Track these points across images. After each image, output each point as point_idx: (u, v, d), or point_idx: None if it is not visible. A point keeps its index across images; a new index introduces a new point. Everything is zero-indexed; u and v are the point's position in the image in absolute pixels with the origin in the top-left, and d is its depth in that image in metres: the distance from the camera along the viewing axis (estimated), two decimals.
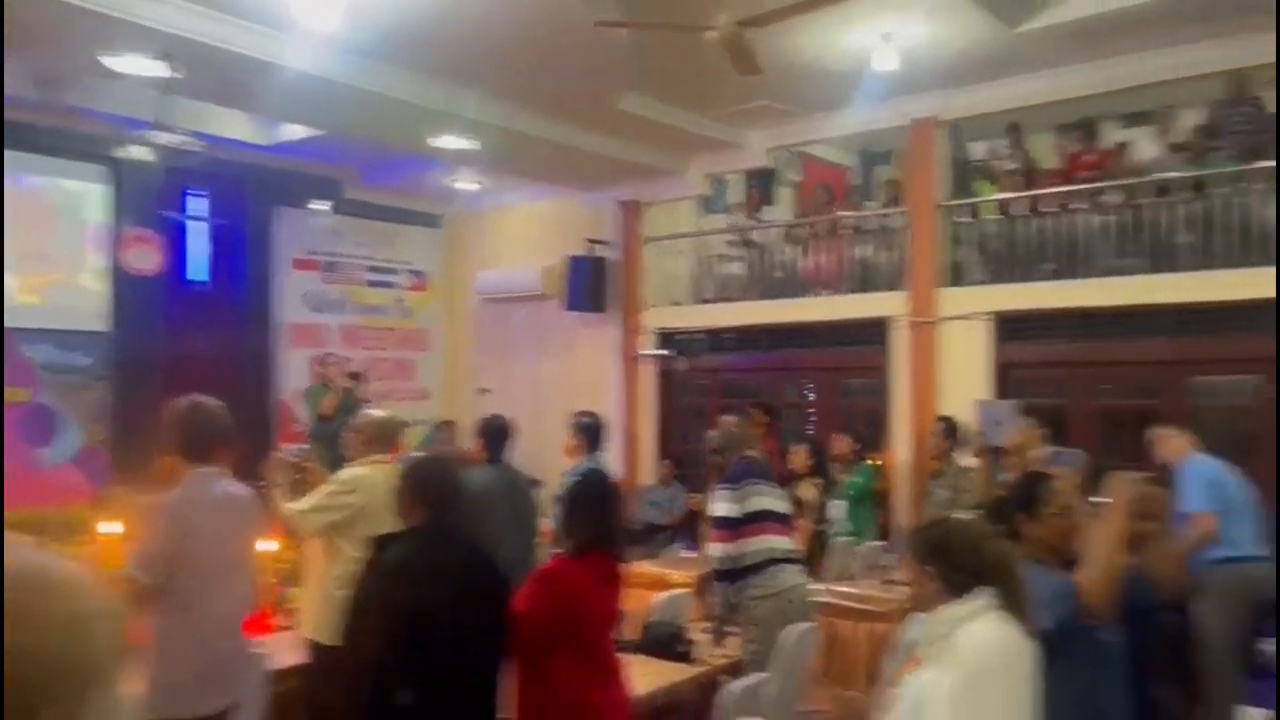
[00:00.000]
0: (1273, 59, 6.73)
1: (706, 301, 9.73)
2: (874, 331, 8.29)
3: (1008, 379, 7.62)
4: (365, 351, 10.26)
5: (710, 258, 9.93)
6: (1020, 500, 2.93)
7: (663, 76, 7.23)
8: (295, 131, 8.35)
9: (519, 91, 7.39)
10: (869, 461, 7.44)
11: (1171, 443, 5.30)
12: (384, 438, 4.13)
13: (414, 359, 11.00)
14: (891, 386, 8.20)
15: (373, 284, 10.64)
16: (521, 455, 5.52)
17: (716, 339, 9.51)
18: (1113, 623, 2.74)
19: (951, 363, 7.83)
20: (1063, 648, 2.55)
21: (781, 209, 10.27)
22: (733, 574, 4.47)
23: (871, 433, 8.07)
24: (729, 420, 5.47)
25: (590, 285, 9.94)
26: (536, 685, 2.92)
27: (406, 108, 7.14)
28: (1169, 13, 6.13)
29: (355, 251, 10.47)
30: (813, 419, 9.08)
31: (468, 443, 6.21)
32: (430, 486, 2.94)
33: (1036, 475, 3.14)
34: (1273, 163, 6.85)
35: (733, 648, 4.35)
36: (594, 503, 3.11)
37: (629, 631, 4.16)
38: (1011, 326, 7.64)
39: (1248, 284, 6.57)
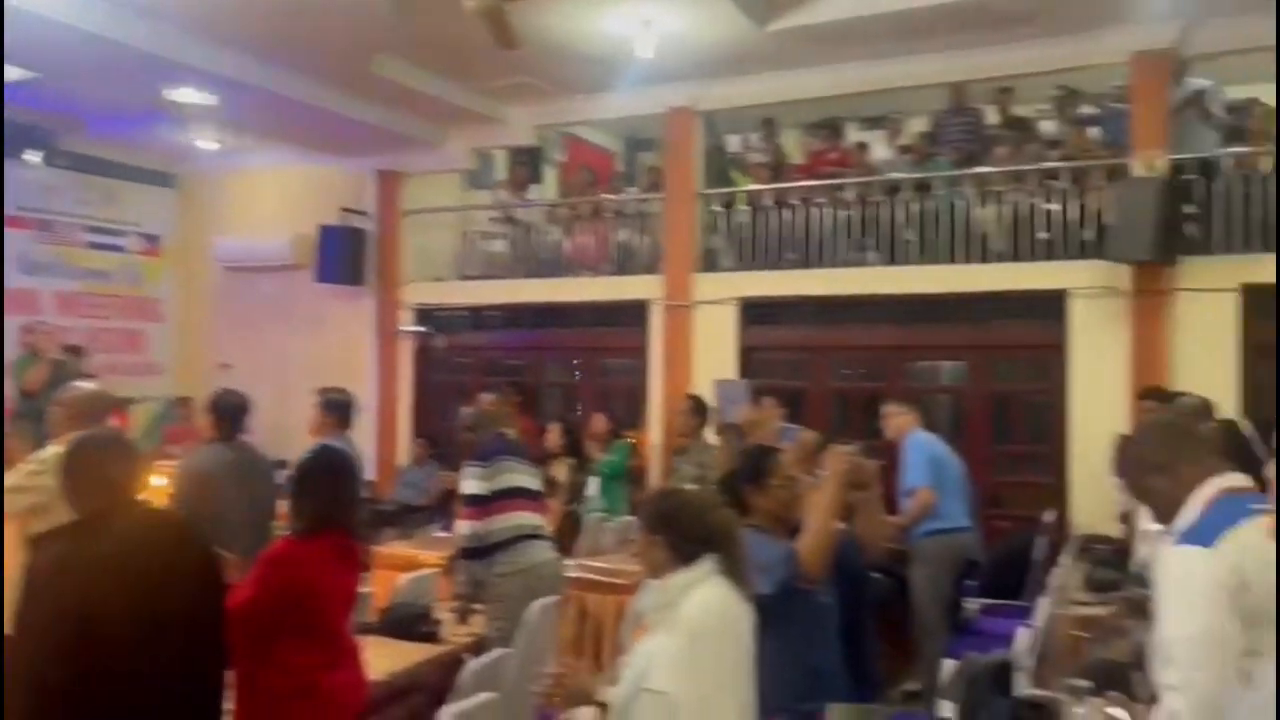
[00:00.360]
0: (988, 75, 7.48)
1: (469, 278, 9.57)
2: (633, 313, 8.49)
3: (752, 361, 8.03)
4: (86, 321, 9.32)
5: (474, 234, 9.79)
6: (747, 473, 3.07)
7: (423, 42, 7.02)
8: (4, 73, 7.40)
9: (266, 46, 6.93)
10: (624, 440, 7.60)
11: (898, 419, 5.75)
12: (92, 414, 3.74)
13: (144, 330, 10.11)
14: (649, 367, 8.43)
15: (95, 246, 9.65)
16: (267, 434, 5.21)
17: (479, 316, 9.41)
18: (827, 585, 2.94)
19: (704, 345, 8.16)
20: (781, 610, 2.71)
21: (548, 188, 10.26)
22: (480, 551, 4.45)
23: (629, 411, 8.26)
24: (484, 398, 5.45)
25: (346, 257, 9.53)
26: (261, 671, 2.74)
27: (137, 55, 6.55)
28: (899, 27, 6.65)
29: (74, 210, 9.45)
30: (573, 398, 9.17)
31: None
32: (101, 469, 2.51)
33: (763, 449, 3.30)
34: (985, 169, 7.60)
35: (479, 626, 4.31)
36: (325, 479, 2.95)
37: (373, 613, 4.03)
38: (757, 311, 8.06)
39: (960, 278, 7.31)
